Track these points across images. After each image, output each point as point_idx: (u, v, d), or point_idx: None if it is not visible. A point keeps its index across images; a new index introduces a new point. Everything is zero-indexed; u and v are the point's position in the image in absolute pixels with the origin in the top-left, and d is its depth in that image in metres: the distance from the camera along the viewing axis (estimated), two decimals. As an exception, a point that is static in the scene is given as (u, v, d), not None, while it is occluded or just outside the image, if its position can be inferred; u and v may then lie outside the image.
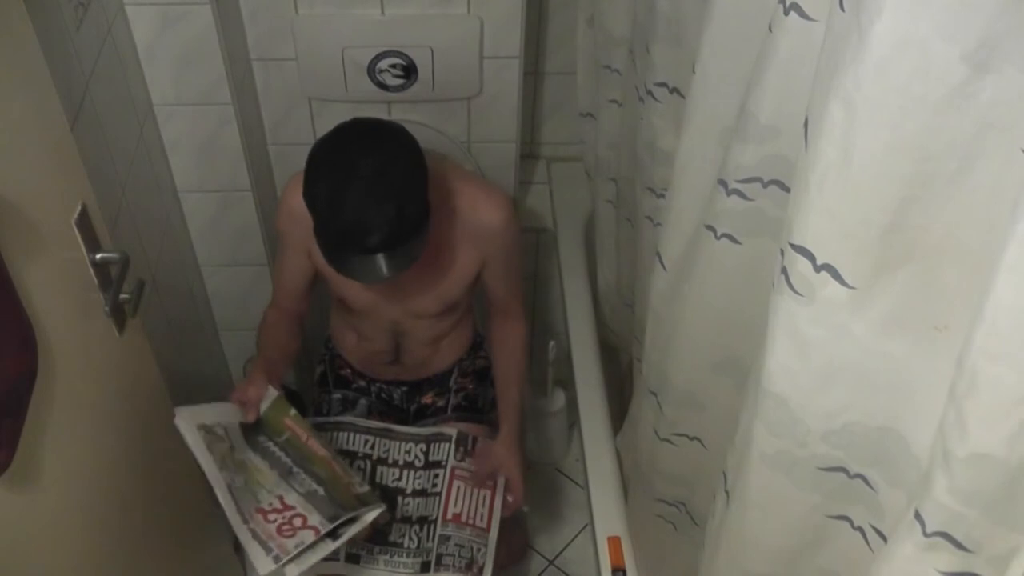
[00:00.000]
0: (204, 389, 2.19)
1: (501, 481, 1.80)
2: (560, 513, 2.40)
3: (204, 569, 2.00)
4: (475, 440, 1.85)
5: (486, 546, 1.76)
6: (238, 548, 2.31)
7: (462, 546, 1.75)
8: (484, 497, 1.80)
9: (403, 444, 1.86)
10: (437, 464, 1.83)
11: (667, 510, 1.67)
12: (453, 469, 1.82)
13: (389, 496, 1.81)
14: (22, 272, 1.07)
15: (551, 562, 2.34)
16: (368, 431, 1.86)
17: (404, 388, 1.99)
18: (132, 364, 1.48)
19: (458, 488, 1.80)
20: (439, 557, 1.75)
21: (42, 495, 1.18)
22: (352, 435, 1.85)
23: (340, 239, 1.49)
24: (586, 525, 2.34)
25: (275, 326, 1.82)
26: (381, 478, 1.83)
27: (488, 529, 1.77)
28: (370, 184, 1.45)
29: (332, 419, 1.88)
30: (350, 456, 1.82)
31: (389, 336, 1.85)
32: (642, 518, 1.73)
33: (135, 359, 1.48)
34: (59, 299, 1.20)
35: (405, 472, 1.84)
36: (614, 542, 1.67)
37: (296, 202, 1.67)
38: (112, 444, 1.41)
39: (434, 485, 1.81)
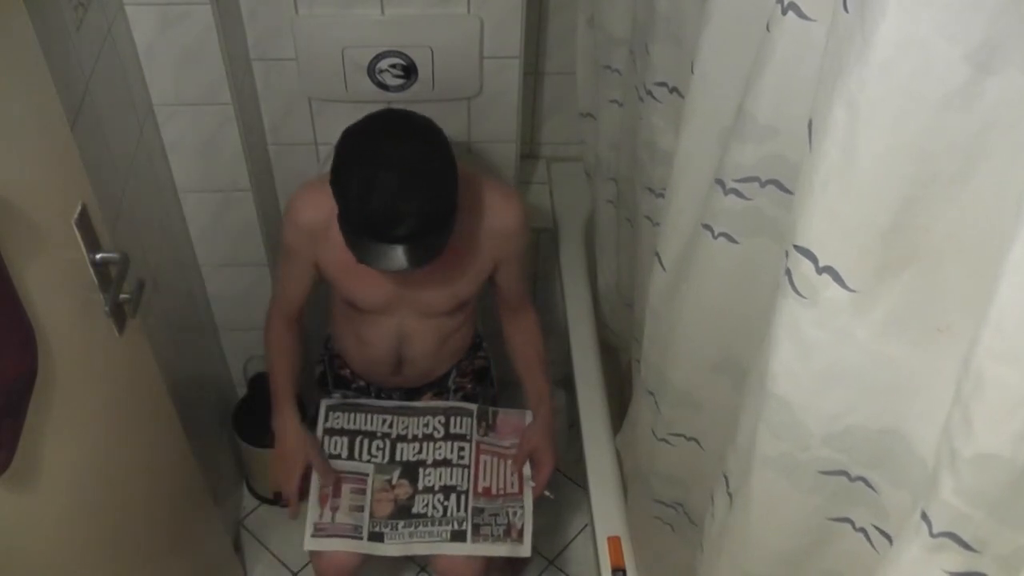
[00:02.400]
0: (204, 389, 2.20)
1: (528, 417, 1.86)
2: (560, 513, 2.40)
3: (204, 569, 2.00)
4: (495, 414, 1.89)
5: (522, 507, 1.80)
6: (238, 548, 2.31)
7: (497, 514, 1.79)
8: (512, 465, 1.85)
9: (421, 418, 1.89)
10: (461, 437, 1.87)
11: (665, 511, 1.67)
12: (478, 444, 1.86)
13: (411, 470, 1.84)
14: (22, 272, 1.07)
15: (551, 562, 2.34)
16: (384, 410, 1.89)
17: (403, 390, 1.99)
18: (132, 364, 1.47)
19: (485, 462, 1.84)
20: (476, 527, 1.78)
21: (42, 495, 1.18)
22: (369, 415, 1.88)
23: (368, 227, 1.49)
24: (586, 525, 2.34)
25: (283, 345, 1.86)
26: (401, 455, 1.85)
27: (520, 492, 1.81)
28: (404, 175, 1.46)
29: (349, 400, 1.91)
30: (369, 436, 1.85)
31: (392, 342, 1.84)
32: (641, 518, 1.73)
33: (135, 359, 1.48)
34: (59, 299, 1.20)
35: (425, 444, 1.86)
36: (614, 542, 1.67)
37: (304, 217, 1.69)
38: (112, 444, 1.41)
39: (460, 457, 1.85)
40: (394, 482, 1.83)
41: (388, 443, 1.86)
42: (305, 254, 1.74)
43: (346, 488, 1.81)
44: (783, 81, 0.96)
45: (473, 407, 1.90)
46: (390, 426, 1.88)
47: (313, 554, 1.84)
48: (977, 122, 0.73)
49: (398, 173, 1.46)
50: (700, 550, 1.34)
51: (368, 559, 1.82)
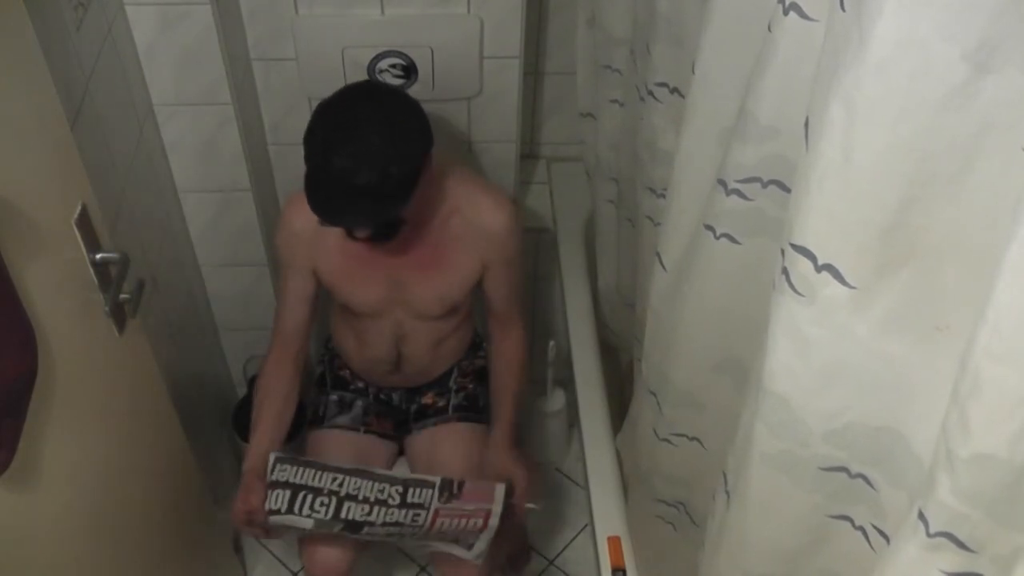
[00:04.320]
0: (204, 389, 2.20)
1: (496, 510, 1.70)
2: (560, 513, 2.40)
3: (204, 569, 2.00)
4: (461, 484, 1.73)
5: (478, 539, 1.72)
6: (238, 548, 2.31)
7: (448, 540, 1.74)
8: (475, 524, 1.71)
9: (377, 484, 1.73)
10: (418, 506, 1.71)
11: (666, 510, 1.67)
12: (437, 510, 1.71)
13: (354, 527, 1.71)
14: (22, 272, 1.07)
15: (551, 562, 2.34)
16: (338, 470, 1.74)
17: (403, 390, 1.99)
18: (132, 364, 1.48)
19: (442, 523, 1.71)
20: (424, 545, 1.71)
21: (42, 495, 1.18)
22: (319, 473, 1.73)
23: (326, 174, 1.49)
24: (586, 525, 2.34)
25: (274, 386, 1.82)
26: (347, 513, 1.69)
27: (482, 529, 1.70)
28: (367, 127, 1.48)
29: (300, 457, 1.78)
30: (314, 492, 1.70)
31: (391, 342, 1.85)
32: (642, 518, 1.72)
33: (135, 359, 1.48)
34: (59, 299, 1.20)
35: (376, 508, 1.71)
36: (614, 542, 1.67)
37: (296, 220, 1.69)
38: (112, 444, 1.41)
39: (414, 522, 1.70)
40: (333, 533, 1.73)
41: (334, 500, 1.69)
42: (303, 262, 1.75)
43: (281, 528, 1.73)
44: (785, 81, 0.96)
45: (436, 479, 1.73)
46: (340, 484, 1.71)
47: (304, 557, 1.84)
48: (976, 122, 0.73)
49: (361, 124, 1.48)
50: (702, 549, 1.34)
51: (358, 560, 1.81)
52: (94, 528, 1.37)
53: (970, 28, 0.68)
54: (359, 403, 1.96)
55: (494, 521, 1.70)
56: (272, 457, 1.74)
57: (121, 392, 1.44)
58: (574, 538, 2.38)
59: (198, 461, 1.80)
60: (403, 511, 1.71)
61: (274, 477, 1.71)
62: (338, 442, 1.90)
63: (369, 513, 1.70)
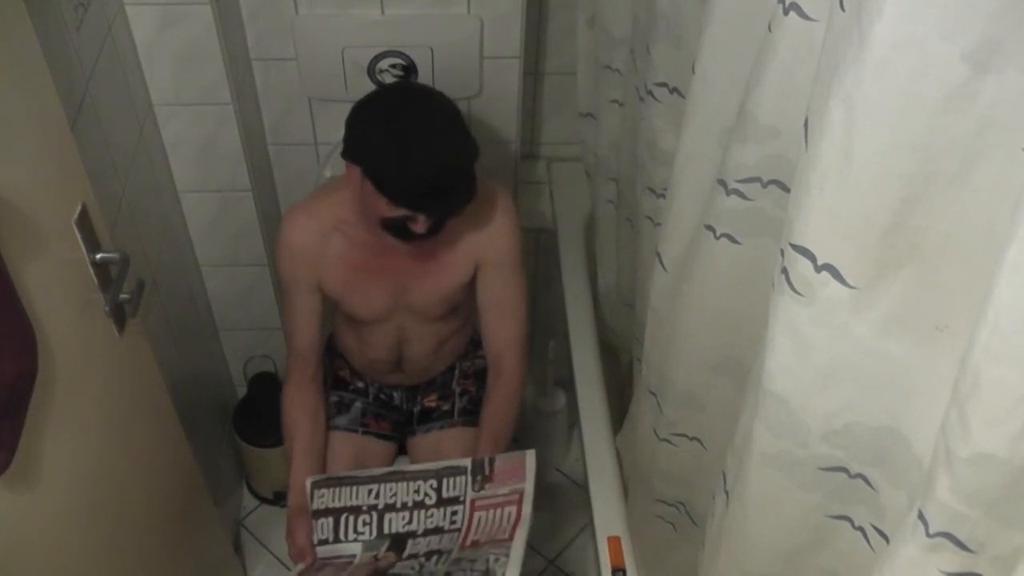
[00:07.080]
0: (204, 389, 2.20)
1: (528, 489, 1.68)
2: (560, 513, 2.40)
3: (204, 569, 2.00)
4: (492, 461, 1.72)
5: (507, 555, 1.63)
6: (238, 548, 2.31)
7: (475, 560, 1.64)
8: (509, 514, 1.68)
9: (411, 483, 1.74)
10: (454, 500, 1.71)
11: (667, 510, 1.67)
12: (473, 502, 1.70)
13: (399, 542, 1.71)
14: (22, 272, 1.07)
15: (551, 562, 2.34)
16: (371, 479, 1.75)
17: (404, 389, 1.99)
18: (132, 364, 1.47)
19: (479, 519, 1.68)
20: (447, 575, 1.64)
21: (42, 495, 1.18)
22: (354, 488, 1.75)
23: (432, 163, 1.50)
24: (586, 525, 2.34)
25: (298, 415, 1.83)
26: (389, 526, 1.72)
27: (511, 538, 1.65)
28: (440, 113, 1.54)
29: (334, 475, 1.80)
30: (354, 512, 1.73)
31: (393, 344, 1.85)
32: (642, 518, 1.72)
33: (135, 359, 1.48)
34: (59, 299, 1.20)
35: (415, 513, 1.72)
36: (614, 542, 1.66)
37: (296, 238, 1.69)
38: (112, 444, 1.41)
39: (452, 523, 1.70)
40: (380, 555, 1.70)
41: (375, 515, 1.72)
42: (307, 280, 1.74)
43: (329, 569, 1.71)
44: (785, 81, 0.96)
45: (467, 463, 1.72)
46: (376, 496, 1.73)
47: None
48: (976, 122, 0.73)
49: (432, 114, 1.54)
50: (702, 548, 1.34)
51: None
52: (94, 528, 1.37)
53: (970, 28, 0.68)
54: (357, 404, 1.96)
55: (527, 509, 1.67)
56: (309, 484, 1.77)
57: (121, 392, 1.44)
58: (574, 538, 2.37)
59: (198, 461, 1.80)
60: (441, 510, 1.71)
61: (315, 506, 1.75)
62: (336, 444, 1.90)
63: (410, 521, 1.71)
